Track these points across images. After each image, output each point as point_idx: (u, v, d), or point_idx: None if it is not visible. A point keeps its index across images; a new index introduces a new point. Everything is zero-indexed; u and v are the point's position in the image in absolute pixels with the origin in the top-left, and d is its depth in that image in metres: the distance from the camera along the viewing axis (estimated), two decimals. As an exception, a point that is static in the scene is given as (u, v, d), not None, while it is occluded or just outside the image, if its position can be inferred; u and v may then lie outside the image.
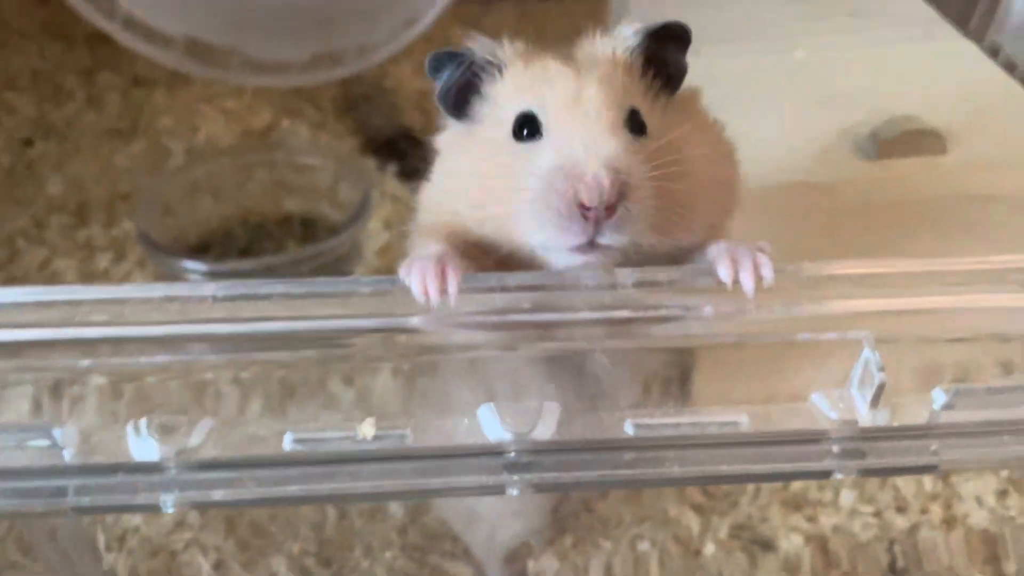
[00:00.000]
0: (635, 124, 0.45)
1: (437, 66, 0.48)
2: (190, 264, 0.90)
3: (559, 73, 0.46)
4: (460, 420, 0.40)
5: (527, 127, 0.45)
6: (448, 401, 0.44)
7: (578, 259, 0.43)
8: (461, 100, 0.49)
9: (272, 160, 1.07)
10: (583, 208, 0.41)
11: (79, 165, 1.09)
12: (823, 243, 0.71)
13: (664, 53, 0.49)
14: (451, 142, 0.50)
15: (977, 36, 0.90)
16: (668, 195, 0.43)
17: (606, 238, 0.42)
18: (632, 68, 0.48)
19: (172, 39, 1.12)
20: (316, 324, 0.40)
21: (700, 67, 0.83)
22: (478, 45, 0.48)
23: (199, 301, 0.39)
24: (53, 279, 0.95)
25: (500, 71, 0.48)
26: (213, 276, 0.90)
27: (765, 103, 0.79)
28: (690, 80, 0.83)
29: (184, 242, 1.02)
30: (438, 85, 0.49)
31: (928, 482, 0.74)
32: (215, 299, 0.39)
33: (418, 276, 0.42)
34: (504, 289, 0.41)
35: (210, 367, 0.40)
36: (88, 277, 0.95)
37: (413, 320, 0.41)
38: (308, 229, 1.05)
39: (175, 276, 0.92)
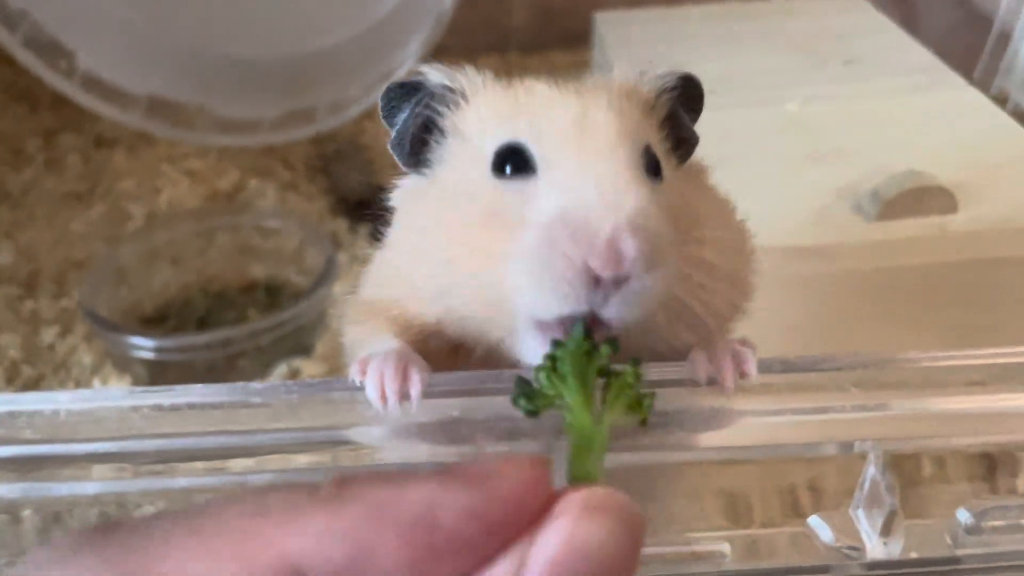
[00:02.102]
0: (651, 164, 0.36)
1: (392, 106, 0.40)
2: (137, 340, 0.83)
3: (554, 94, 0.38)
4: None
5: (512, 162, 0.36)
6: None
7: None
8: (419, 145, 0.40)
9: (236, 224, 1.01)
10: (592, 274, 0.32)
11: (33, 232, 1.03)
12: (819, 315, 0.64)
13: (679, 112, 0.42)
14: (409, 197, 0.41)
15: (983, 84, 0.84)
16: (689, 264, 0.34)
17: (611, 312, 0.32)
18: (649, 109, 0.40)
19: (135, 98, 1.06)
20: (232, 440, 0.32)
21: (685, 121, 0.78)
22: (435, 72, 0.40)
23: (50, 416, 0.32)
24: (-7, 356, 0.88)
25: (466, 100, 0.39)
26: (161, 351, 0.83)
27: (755, 159, 0.72)
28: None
29: (138, 313, 0.95)
30: (392, 131, 0.40)
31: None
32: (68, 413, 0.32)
33: (375, 375, 0.34)
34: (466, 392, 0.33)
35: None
36: (31, 352, 0.88)
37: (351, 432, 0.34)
38: (272, 296, 0.98)
39: (123, 352, 0.85)
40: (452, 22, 1.13)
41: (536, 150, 0.36)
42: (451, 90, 0.40)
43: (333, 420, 0.34)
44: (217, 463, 0.31)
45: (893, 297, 0.64)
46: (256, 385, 0.33)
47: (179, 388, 0.32)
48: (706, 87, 0.83)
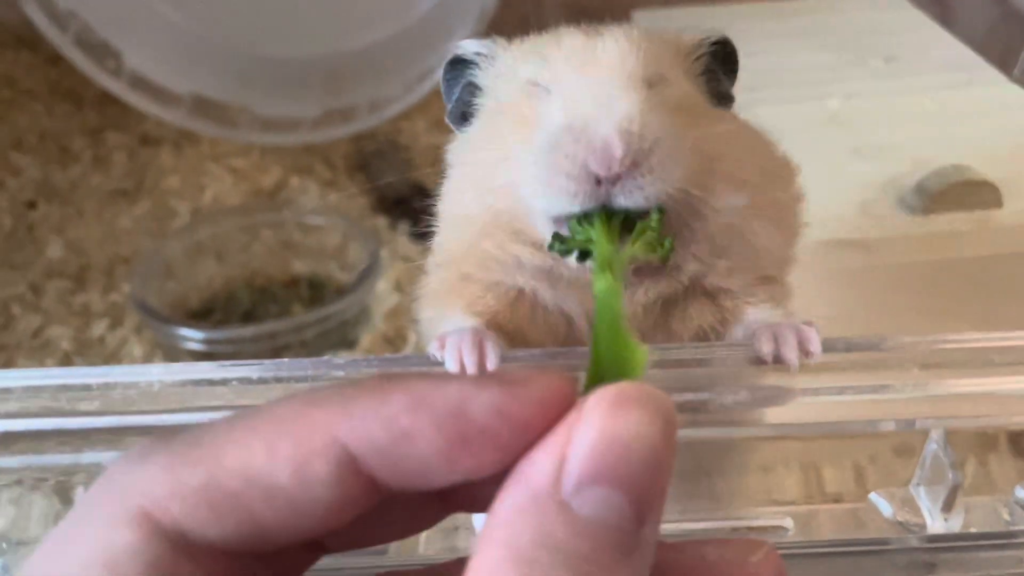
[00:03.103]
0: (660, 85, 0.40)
1: (448, 83, 0.45)
2: (186, 331, 0.85)
3: (568, 32, 0.42)
4: (433, 534, 0.34)
5: (532, 91, 0.40)
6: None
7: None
8: (467, 106, 0.45)
9: (279, 220, 1.03)
10: (592, 172, 0.36)
11: (81, 228, 1.06)
12: (864, 307, 0.64)
13: (715, 68, 0.44)
14: (458, 148, 0.45)
15: (1022, 80, 0.84)
16: (701, 148, 0.38)
17: (620, 203, 0.36)
18: (685, 59, 0.43)
19: (179, 97, 1.09)
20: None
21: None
22: (468, 43, 0.45)
23: (146, 387, 0.33)
24: (46, 347, 0.90)
25: (495, 59, 0.44)
26: (210, 343, 0.85)
27: (798, 155, 0.72)
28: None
29: (185, 306, 0.97)
30: (448, 105, 0.45)
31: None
32: (162, 384, 0.33)
33: (453, 349, 0.36)
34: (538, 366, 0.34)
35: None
36: (83, 345, 0.90)
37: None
38: (315, 291, 1.00)
39: (172, 344, 0.87)
40: (488, 22, 1.14)
41: (547, 78, 0.40)
42: (483, 55, 0.44)
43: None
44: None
45: (938, 290, 0.65)
46: (339, 359, 0.34)
47: (267, 362, 0.33)
48: (748, 84, 0.84)
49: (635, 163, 0.35)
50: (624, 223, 0.36)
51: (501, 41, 0.45)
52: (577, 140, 0.36)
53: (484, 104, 0.44)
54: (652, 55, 0.40)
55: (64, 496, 0.38)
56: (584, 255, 0.36)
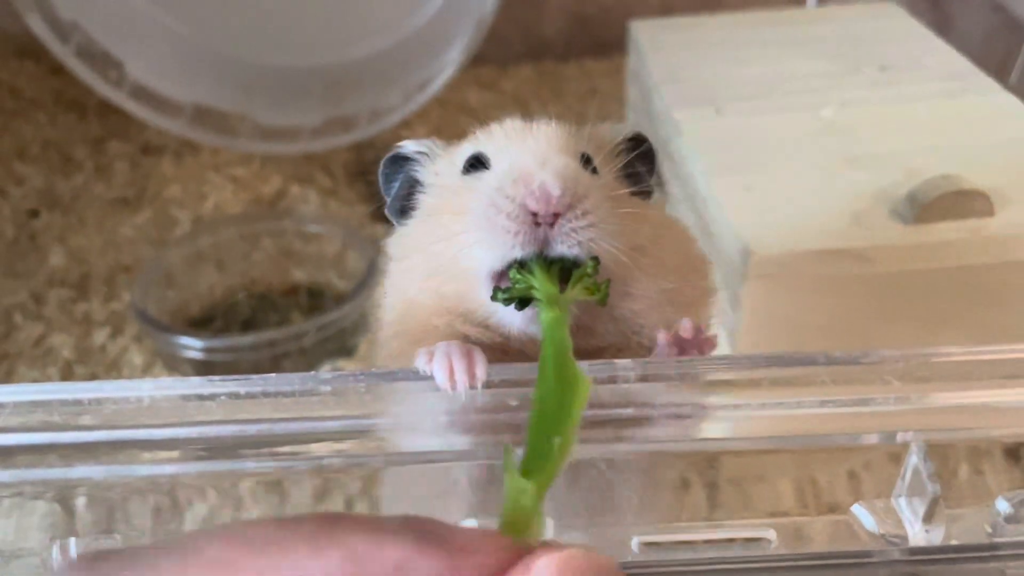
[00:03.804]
0: (588, 166, 0.43)
1: (387, 178, 0.48)
2: (186, 340, 0.86)
3: (508, 120, 0.45)
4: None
5: (473, 165, 0.43)
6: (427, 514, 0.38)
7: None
8: (407, 202, 0.47)
9: (279, 229, 1.03)
10: (532, 215, 0.38)
11: (83, 237, 1.06)
12: (859, 316, 0.65)
13: (633, 162, 0.47)
14: (399, 240, 0.47)
15: (1018, 89, 0.84)
16: (625, 226, 0.40)
17: (557, 250, 0.38)
18: (607, 153, 0.46)
19: (180, 107, 1.10)
20: (270, 428, 0.34)
21: (723, 125, 0.80)
22: (409, 143, 0.47)
23: (135, 402, 0.34)
24: (48, 355, 0.91)
25: (436, 159, 0.46)
26: (209, 352, 0.86)
27: (792, 164, 0.73)
28: (712, 138, 0.79)
29: (185, 314, 0.98)
30: (387, 199, 0.48)
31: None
32: (152, 400, 0.34)
33: (443, 360, 0.37)
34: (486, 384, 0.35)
35: (147, 477, 0.34)
36: (84, 354, 0.91)
37: (380, 421, 0.35)
38: (314, 299, 1.01)
39: (172, 352, 0.88)
40: (487, 31, 1.15)
41: (489, 150, 0.43)
42: (423, 152, 0.46)
43: (400, 407, 0.36)
44: (289, 448, 0.33)
45: (929, 298, 0.65)
46: (326, 375, 0.35)
47: (255, 377, 0.34)
48: (742, 93, 0.85)
49: (571, 204, 0.38)
50: (561, 274, 0.38)
51: (440, 142, 0.47)
52: (516, 185, 0.38)
53: (424, 199, 0.46)
54: (581, 140, 0.44)
55: (65, 506, 0.38)
56: (524, 303, 0.38)
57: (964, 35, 1.01)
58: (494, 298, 0.39)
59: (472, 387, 0.36)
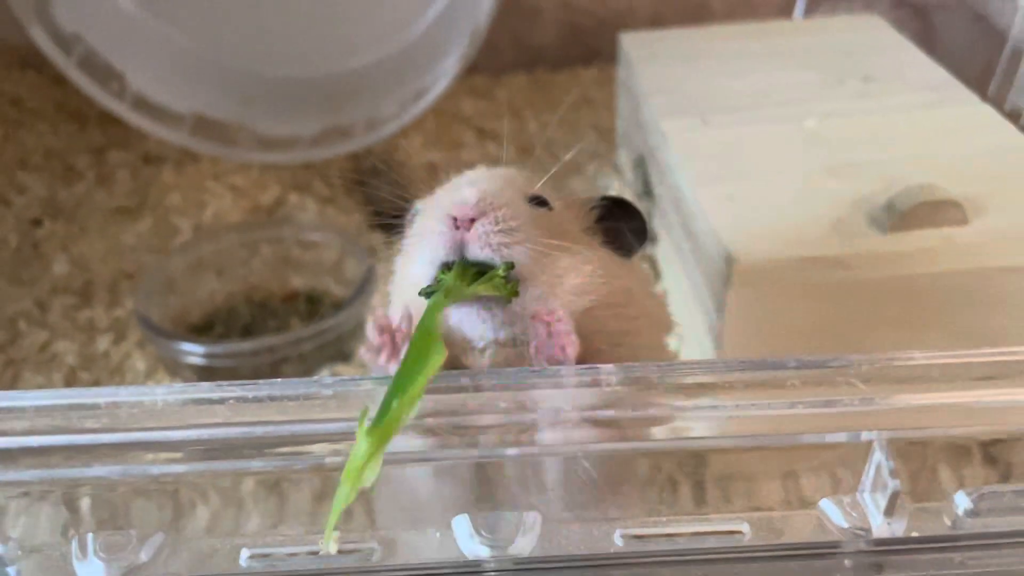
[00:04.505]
0: (541, 205, 0.48)
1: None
2: (187, 346, 0.88)
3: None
4: (432, 533, 0.37)
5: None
6: (419, 511, 0.40)
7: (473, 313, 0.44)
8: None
9: (278, 236, 1.06)
10: (452, 220, 0.44)
11: (85, 245, 1.09)
12: (839, 321, 0.67)
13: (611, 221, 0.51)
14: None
15: (997, 101, 0.87)
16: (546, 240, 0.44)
17: (474, 249, 0.44)
18: (582, 212, 0.51)
19: (180, 117, 1.12)
20: (273, 429, 0.36)
21: (709, 136, 0.82)
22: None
23: (149, 405, 0.36)
24: (53, 361, 0.93)
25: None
26: (210, 357, 0.88)
27: (775, 174, 0.76)
28: (699, 148, 0.81)
29: (186, 320, 1.00)
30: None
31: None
32: (165, 403, 0.36)
33: (377, 328, 0.44)
34: (477, 388, 0.37)
35: (160, 476, 0.37)
36: (87, 360, 0.93)
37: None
38: (313, 306, 1.03)
39: (174, 358, 0.90)
40: (481, 41, 1.17)
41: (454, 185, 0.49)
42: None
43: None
44: (293, 448, 0.35)
45: (907, 304, 0.67)
46: (328, 379, 0.37)
47: (262, 382, 0.36)
48: (729, 104, 0.88)
49: (483, 211, 0.44)
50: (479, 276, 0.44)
51: None
52: (446, 197, 0.46)
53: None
54: (532, 183, 0.49)
55: (72, 507, 0.40)
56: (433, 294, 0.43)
57: (946, 47, 1.03)
58: (420, 294, 0.44)
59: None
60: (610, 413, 0.37)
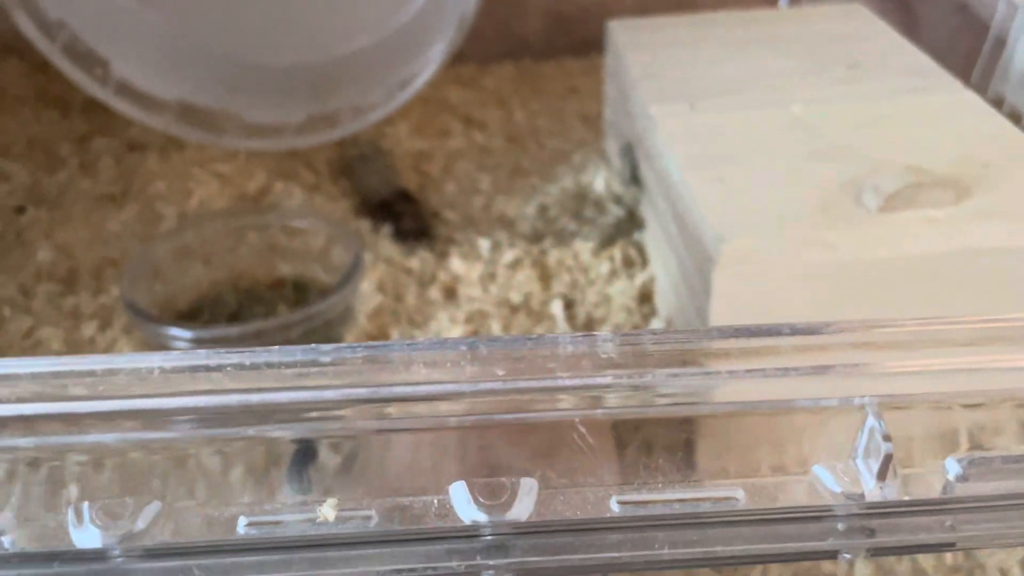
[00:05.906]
0: None
1: None
2: (175, 331, 0.87)
3: None
4: (430, 500, 0.37)
5: None
6: (416, 478, 0.40)
7: None
8: None
9: (264, 223, 1.05)
10: None
11: (70, 232, 1.08)
12: (827, 301, 0.68)
13: None
14: None
15: (980, 87, 0.88)
16: None
17: None
18: None
19: (165, 103, 1.11)
20: (272, 397, 0.37)
21: (697, 121, 0.83)
22: None
23: (146, 373, 0.36)
24: (37, 348, 0.92)
25: None
26: (198, 343, 0.87)
27: (762, 157, 0.76)
28: (687, 133, 0.81)
29: (173, 308, 1.00)
30: None
31: (949, 554, 0.70)
32: (161, 371, 0.36)
33: None
34: (475, 356, 0.37)
35: (156, 444, 0.37)
36: (73, 346, 0.93)
37: (381, 391, 0.38)
38: (300, 293, 1.03)
39: (161, 343, 0.90)
40: (468, 30, 1.17)
41: None
42: None
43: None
44: (292, 415, 0.35)
45: (894, 284, 0.68)
46: (326, 347, 0.37)
47: (259, 350, 0.36)
48: (716, 89, 0.88)
49: None
50: None
51: None
52: None
53: None
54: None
55: (68, 475, 0.40)
56: None
57: (930, 35, 1.05)
58: None
59: None
60: (605, 380, 0.37)
